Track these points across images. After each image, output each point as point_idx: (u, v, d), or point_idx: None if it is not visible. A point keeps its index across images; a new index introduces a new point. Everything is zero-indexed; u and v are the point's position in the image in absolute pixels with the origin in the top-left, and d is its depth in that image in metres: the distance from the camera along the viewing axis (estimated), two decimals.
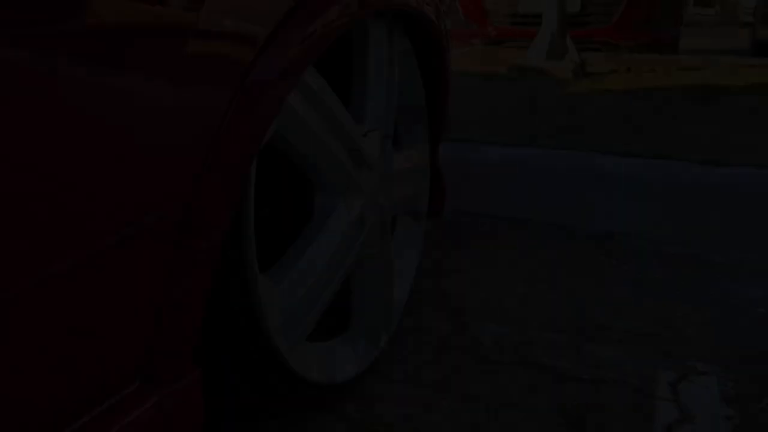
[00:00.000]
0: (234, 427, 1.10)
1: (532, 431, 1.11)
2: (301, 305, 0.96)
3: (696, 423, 1.13)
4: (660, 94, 3.35)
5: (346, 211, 1.03)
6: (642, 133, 2.47)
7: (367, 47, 1.08)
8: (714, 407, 1.16)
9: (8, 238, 0.51)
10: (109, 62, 0.56)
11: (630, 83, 3.75)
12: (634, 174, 1.98)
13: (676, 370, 1.28)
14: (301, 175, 1.02)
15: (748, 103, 3.07)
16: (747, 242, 1.86)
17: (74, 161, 0.55)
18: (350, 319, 1.19)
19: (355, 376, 1.15)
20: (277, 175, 1.08)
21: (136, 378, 0.73)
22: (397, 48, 1.18)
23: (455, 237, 1.97)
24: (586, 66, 4.45)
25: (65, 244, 0.57)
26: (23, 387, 0.58)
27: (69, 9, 0.53)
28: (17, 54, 0.49)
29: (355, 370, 1.15)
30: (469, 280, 1.67)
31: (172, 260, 0.70)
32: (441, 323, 1.45)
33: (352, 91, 1.10)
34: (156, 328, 0.72)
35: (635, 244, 1.91)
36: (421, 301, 1.55)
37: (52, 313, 0.58)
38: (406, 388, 1.21)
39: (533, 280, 1.67)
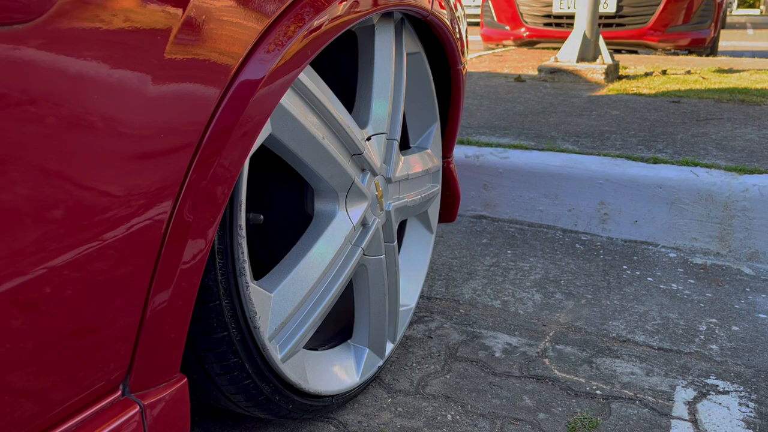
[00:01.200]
0: None
1: None
2: (297, 314, 0.94)
3: None
4: (695, 98, 3.24)
5: (347, 216, 1.00)
6: (672, 138, 2.39)
7: (373, 49, 1.05)
8: (733, 429, 1.10)
9: None
10: (93, 59, 0.55)
11: (665, 86, 3.64)
12: (662, 181, 1.90)
13: (695, 388, 1.22)
14: (300, 179, 0.99)
15: None
16: None
17: (53, 159, 0.54)
18: (353, 326, 1.16)
19: (357, 386, 1.13)
20: (275, 180, 1.06)
21: (120, 386, 0.72)
22: (406, 50, 1.15)
23: (472, 242, 1.93)
24: (620, 68, 4.34)
25: (46, 247, 0.55)
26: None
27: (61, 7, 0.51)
28: (9, 50, 0.48)
29: (357, 381, 1.12)
30: (482, 287, 1.63)
31: (155, 265, 0.69)
32: (451, 332, 1.41)
33: (356, 94, 1.07)
34: (139, 336, 0.71)
35: (661, 253, 1.85)
36: (432, 308, 1.52)
37: (31, 317, 0.56)
38: (411, 400, 1.18)
39: (551, 289, 1.62)
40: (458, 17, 1.31)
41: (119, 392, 0.71)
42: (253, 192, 1.10)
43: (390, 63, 1.07)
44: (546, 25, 6.42)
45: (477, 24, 7.20)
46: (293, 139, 0.86)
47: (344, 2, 0.86)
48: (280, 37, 0.76)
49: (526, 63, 4.93)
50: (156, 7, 0.59)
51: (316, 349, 1.13)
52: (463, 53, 1.33)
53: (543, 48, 6.45)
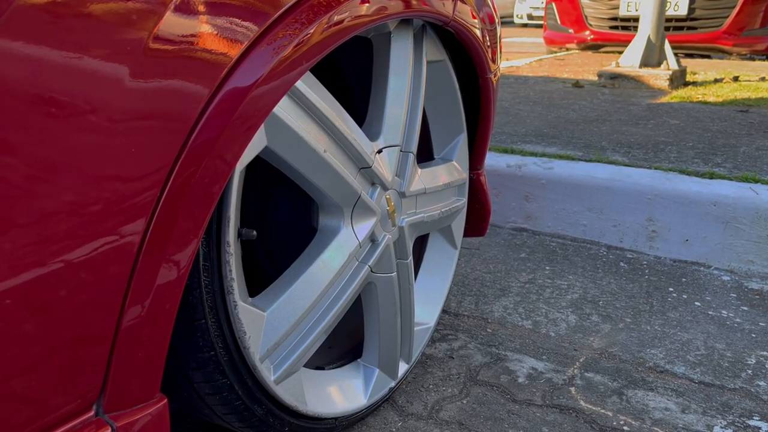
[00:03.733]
0: None
1: None
2: (294, 333, 0.90)
3: None
4: (765, 107, 3.04)
5: (353, 232, 0.96)
6: (734, 151, 2.23)
7: (389, 57, 1.00)
8: None
9: None
10: (52, 65, 0.52)
11: (734, 94, 3.44)
12: (717, 198, 1.78)
13: (734, 430, 1.11)
14: (302, 193, 0.95)
15: None
16: None
17: (21, 165, 0.51)
18: (363, 345, 1.11)
19: (364, 409, 1.08)
20: (281, 190, 1.02)
21: (93, 406, 0.70)
22: (428, 57, 1.09)
23: (509, 256, 1.85)
24: (688, 74, 4.13)
25: (7, 258, 0.53)
26: None
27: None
28: None
29: (364, 403, 1.07)
30: (514, 305, 1.56)
31: (129, 281, 0.66)
32: (474, 353, 1.35)
33: (369, 104, 1.02)
34: (112, 354, 0.68)
35: (712, 276, 1.72)
36: (458, 326, 1.46)
37: None
38: (422, 425, 1.12)
39: (587, 310, 1.53)
40: (489, 27, 1.24)
41: (92, 412, 0.69)
42: (258, 203, 1.07)
43: (407, 72, 1.02)
44: (612, 28, 6.20)
45: (540, 26, 7.04)
46: (291, 151, 0.82)
47: (350, 9, 0.81)
48: (275, 42, 0.72)
49: (587, 67, 4.76)
50: (131, 7, 0.56)
51: (323, 368, 1.09)
52: (493, 61, 1.27)
53: (607, 52, 6.23)
